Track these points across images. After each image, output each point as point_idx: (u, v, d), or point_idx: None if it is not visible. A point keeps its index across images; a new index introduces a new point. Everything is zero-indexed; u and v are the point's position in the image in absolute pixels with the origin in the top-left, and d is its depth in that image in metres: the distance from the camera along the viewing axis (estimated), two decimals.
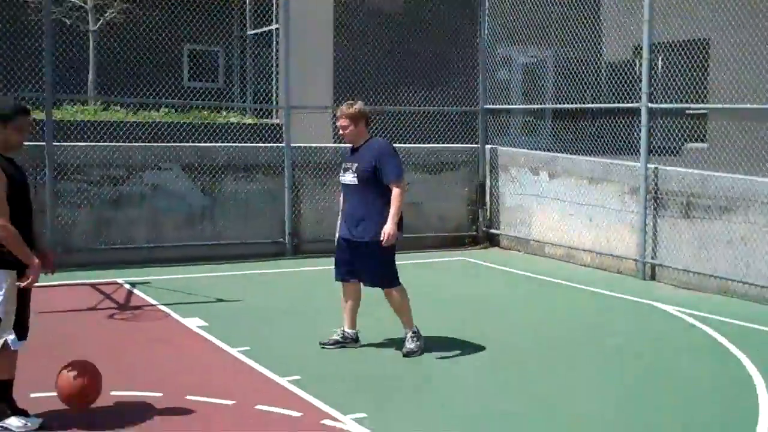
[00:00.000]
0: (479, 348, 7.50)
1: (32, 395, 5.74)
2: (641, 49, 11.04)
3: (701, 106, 12.63)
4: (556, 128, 15.51)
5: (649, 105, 10.91)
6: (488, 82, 13.83)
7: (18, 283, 5.21)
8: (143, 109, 15.28)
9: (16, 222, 5.19)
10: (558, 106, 14.51)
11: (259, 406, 5.80)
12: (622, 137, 12.20)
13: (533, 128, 16.14)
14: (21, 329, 5.29)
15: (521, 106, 14.82)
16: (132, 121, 13.71)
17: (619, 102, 12.52)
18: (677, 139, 14.22)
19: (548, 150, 13.22)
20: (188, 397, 5.92)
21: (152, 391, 6.04)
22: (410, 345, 7.19)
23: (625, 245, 11.15)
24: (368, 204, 7.03)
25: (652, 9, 10.87)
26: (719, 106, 13.09)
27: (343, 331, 7.41)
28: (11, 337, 5.21)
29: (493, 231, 13.36)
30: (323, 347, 7.30)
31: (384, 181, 6.98)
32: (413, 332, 7.24)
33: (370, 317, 7.74)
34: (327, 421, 5.56)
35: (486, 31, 13.61)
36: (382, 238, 6.94)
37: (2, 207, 5.13)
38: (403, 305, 7.27)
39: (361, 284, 7.39)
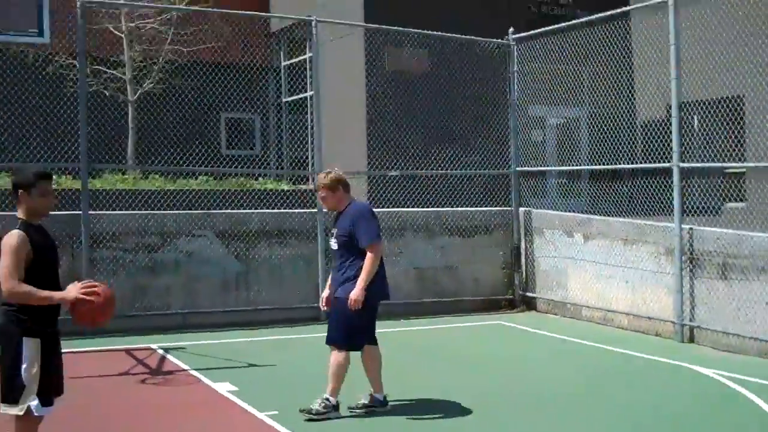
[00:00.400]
0: (508, 408, 7.39)
1: None
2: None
3: (733, 165, 12.54)
4: (592, 189, 15.47)
5: (681, 164, 10.84)
6: (520, 143, 13.86)
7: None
8: (181, 177, 15.49)
9: (46, 284, 5.23)
10: (590, 167, 14.46)
11: None
12: (658, 197, 12.11)
13: (568, 190, 16.10)
14: (46, 395, 5.28)
15: (554, 168, 14.81)
16: (170, 189, 13.88)
17: (653, 161, 12.46)
18: (716, 198, 14.10)
19: (585, 211, 13.16)
20: None
21: None
22: (315, 405, 7.08)
23: (662, 307, 10.99)
24: (348, 268, 7.16)
25: (679, 67, 10.89)
26: (751, 164, 12.96)
27: (371, 395, 7.36)
28: (34, 403, 5.20)
29: (529, 294, 13.26)
30: (351, 412, 7.24)
31: (359, 245, 7.06)
32: (326, 399, 7.12)
33: (400, 382, 7.66)
34: None
35: (516, 93, 13.68)
36: (349, 302, 7.00)
37: (13, 271, 5.19)
38: (334, 372, 7.18)
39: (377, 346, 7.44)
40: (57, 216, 10.90)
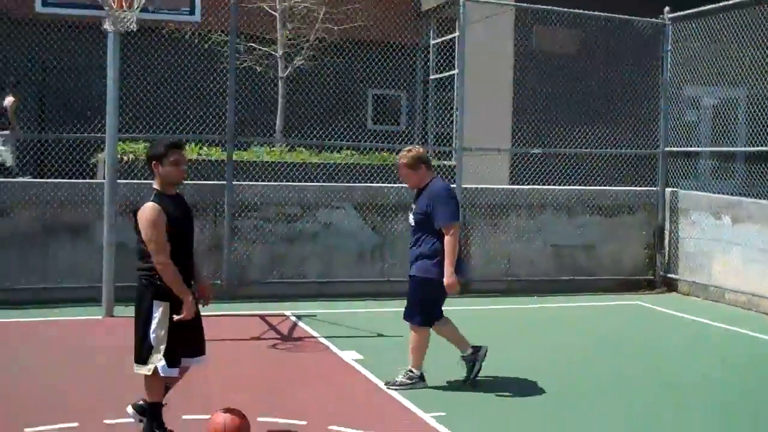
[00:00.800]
0: (625, 390, 7.23)
1: (183, 417, 5.99)
2: None
3: None
4: (747, 171, 14.78)
5: None
6: (672, 123, 13.41)
7: (174, 316, 5.46)
8: (326, 151, 15.77)
9: (176, 258, 5.47)
10: (742, 149, 13.86)
11: None
12: None
13: (721, 171, 15.45)
14: (172, 357, 5.53)
15: (703, 149, 14.24)
16: (312, 162, 14.17)
17: None
18: None
19: (738, 194, 12.60)
20: (330, 427, 6.03)
21: (297, 419, 6.19)
22: (399, 377, 7.17)
23: None
24: (422, 245, 7.10)
25: None
26: None
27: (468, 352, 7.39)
28: (161, 363, 5.47)
29: (671, 275, 12.85)
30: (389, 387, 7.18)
31: (435, 226, 6.98)
32: (411, 371, 7.17)
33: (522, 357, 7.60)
34: None
35: (668, 73, 13.23)
36: (444, 285, 7.01)
37: (162, 246, 5.42)
38: (415, 347, 7.22)
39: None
40: (203, 185, 11.37)
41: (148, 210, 5.47)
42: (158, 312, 5.49)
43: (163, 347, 5.48)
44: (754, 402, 7.14)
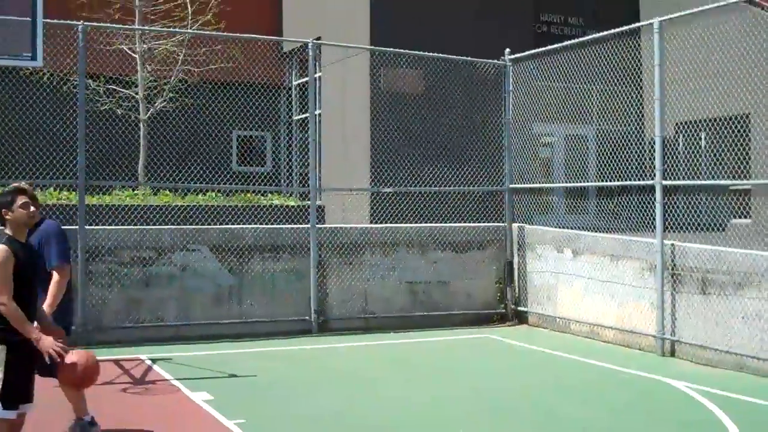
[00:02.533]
0: (463, 418, 7.63)
1: None
2: (683, 126, 11.21)
3: (718, 182, 12.67)
4: (599, 206, 15.63)
5: (663, 182, 11.02)
6: (523, 160, 14.08)
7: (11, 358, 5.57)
8: (191, 193, 15.87)
9: (19, 303, 5.58)
10: (574, 184, 14.71)
11: None
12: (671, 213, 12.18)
13: (575, 207, 16.24)
14: (10, 399, 5.57)
15: (546, 185, 14.99)
16: (173, 204, 14.25)
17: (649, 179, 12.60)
18: (722, 215, 14.24)
19: (593, 229, 13.25)
20: None
21: None
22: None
23: (645, 321, 11.16)
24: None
25: (663, 88, 11.10)
26: (736, 182, 13.05)
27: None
28: None
29: (521, 308, 13.47)
30: None
31: (46, 267, 6.64)
32: (80, 420, 6.81)
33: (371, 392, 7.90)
34: None
35: (511, 112, 13.93)
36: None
37: (5, 287, 5.54)
38: (72, 395, 6.76)
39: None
40: None
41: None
42: None
43: None
44: (558, 418, 7.64)
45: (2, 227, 5.84)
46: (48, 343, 5.65)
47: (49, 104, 15.58)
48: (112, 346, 10.84)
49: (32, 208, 5.84)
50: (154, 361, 10.16)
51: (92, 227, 11.51)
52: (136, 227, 11.91)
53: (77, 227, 11.19)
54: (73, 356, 6.03)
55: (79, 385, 6.06)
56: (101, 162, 16.10)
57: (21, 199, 5.79)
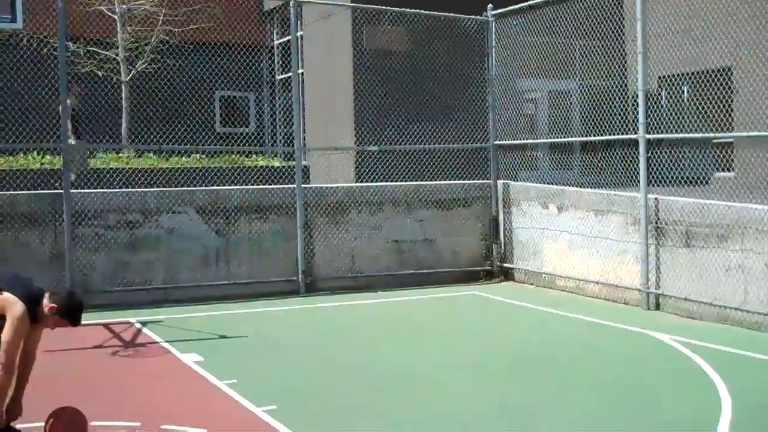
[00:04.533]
0: (462, 371, 7.74)
1: (18, 426, 6.10)
2: (665, 80, 11.23)
3: (701, 135, 12.71)
4: (584, 161, 15.67)
5: (647, 136, 11.07)
6: (508, 116, 14.09)
7: None
8: (175, 155, 15.84)
9: None
10: (558, 139, 14.76)
11: None
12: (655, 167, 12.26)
13: (561, 163, 16.29)
14: None
15: (531, 141, 15.02)
16: (157, 167, 14.25)
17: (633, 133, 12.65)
18: (706, 168, 14.32)
19: (578, 184, 13.31)
20: (163, 426, 6.26)
21: (131, 421, 6.39)
22: None
23: (630, 275, 11.27)
24: None
25: (645, 42, 11.09)
26: (718, 135, 13.12)
27: None
28: None
29: (507, 265, 13.56)
30: None
31: None
32: None
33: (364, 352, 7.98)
34: None
35: (494, 69, 13.90)
36: None
37: (13, 352, 5.49)
38: None
39: None
40: (42, 194, 11.33)
41: (21, 312, 5.51)
42: None
43: None
44: (550, 371, 7.75)
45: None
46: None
47: (30, 67, 15.48)
48: (101, 309, 10.85)
49: (53, 328, 5.78)
50: (143, 323, 10.22)
51: (77, 191, 11.49)
52: (121, 190, 11.91)
53: (62, 191, 11.15)
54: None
55: None
56: (84, 125, 16.01)
57: (65, 324, 5.73)
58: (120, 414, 6.58)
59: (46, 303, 5.66)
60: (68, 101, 13.14)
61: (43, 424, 5.82)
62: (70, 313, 5.72)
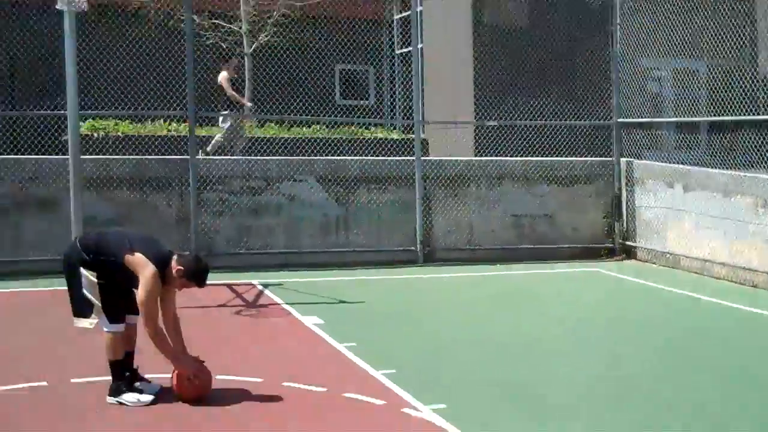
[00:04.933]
0: (577, 353, 7.61)
1: (148, 375, 6.30)
2: None
3: None
4: (711, 142, 15.18)
5: None
6: (632, 94, 13.75)
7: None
8: (295, 126, 16.02)
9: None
10: (686, 119, 14.25)
11: (346, 394, 6.15)
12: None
13: (686, 142, 15.82)
14: (113, 315, 5.87)
15: (657, 119, 14.59)
16: (279, 137, 14.43)
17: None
18: None
19: (704, 165, 12.91)
20: (284, 384, 6.35)
21: (253, 377, 6.51)
22: None
23: (760, 259, 10.86)
24: None
25: None
26: None
27: None
28: (102, 320, 5.88)
29: (629, 243, 13.26)
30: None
31: None
32: None
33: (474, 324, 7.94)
34: (407, 410, 5.85)
35: (618, 45, 13.56)
36: None
37: (153, 312, 5.76)
38: None
39: None
40: (169, 160, 11.64)
41: (151, 274, 5.73)
42: (85, 277, 5.84)
43: (99, 304, 5.84)
44: (678, 354, 7.53)
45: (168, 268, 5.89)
46: (187, 366, 5.92)
47: (158, 39, 15.87)
48: (225, 271, 11.12)
49: (180, 290, 6.02)
50: (265, 286, 10.40)
51: (202, 158, 11.77)
52: (244, 158, 12.14)
53: (188, 157, 11.43)
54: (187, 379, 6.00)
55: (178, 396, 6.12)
56: (208, 95, 16.36)
57: (191, 286, 5.97)
58: (242, 370, 6.70)
59: (174, 265, 5.86)
60: (226, 73, 13.57)
61: (169, 375, 6.00)
62: (197, 276, 5.92)
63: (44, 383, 6.34)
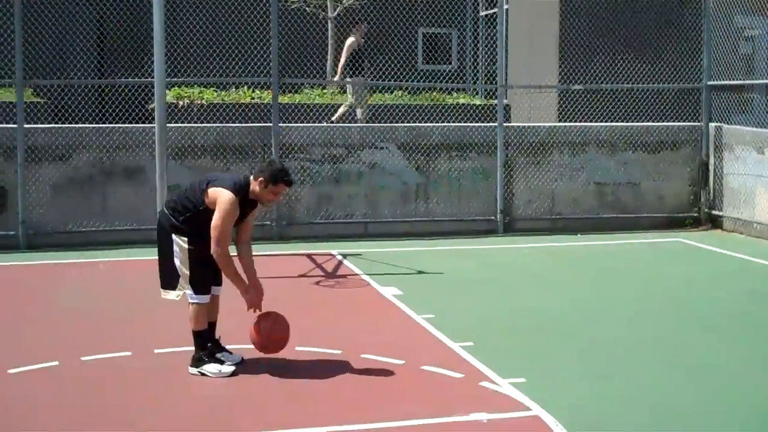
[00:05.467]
0: (657, 322, 7.49)
1: (228, 346, 6.42)
2: None
3: None
4: None
5: None
6: (723, 56, 13.32)
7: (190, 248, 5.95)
8: (378, 91, 16.00)
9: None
10: None
11: (425, 367, 6.19)
12: None
13: (758, 106, 15.30)
14: (199, 287, 5.99)
15: (751, 81, 14.11)
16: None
17: None
18: None
19: None
20: (363, 356, 6.42)
21: (332, 349, 6.59)
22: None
23: None
24: None
25: None
26: None
27: None
28: (189, 291, 5.99)
29: (715, 212, 12.93)
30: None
31: None
32: None
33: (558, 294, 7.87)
34: (485, 383, 5.86)
35: (711, 3, 13.12)
36: None
37: (224, 236, 5.83)
38: None
39: None
40: (251, 127, 11.76)
41: (228, 198, 5.81)
42: (178, 245, 5.96)
43: (188, 276, 5.96)
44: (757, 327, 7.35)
45: (249, 183, 5.96)
46: (254, 299, 6.04)
47: (242, 3, 15.97)
48: (304, 240, 11.24)
49: (276, 199, 6.13)
50: (344, 256, 10.48)
51: (285, 125, 11.84)
52: (325, 125, 12.17)
53: (271, 124, 11.53)
54: (267, 322, 6.12)
55: (260, 347, 6.19)
56: (291, 61, 16.44)
57: (281, 189, 5.99)
58: (322, 341, 6.78)
59: (254, 182, 5.93)
60: (354, 39, 13.69)
61: (250, 346, 6.11)
62: (280, 175, 5.95)
63: (129, 353, 6.51)
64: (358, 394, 5.71)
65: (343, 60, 13.83)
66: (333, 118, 12.94)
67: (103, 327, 7.37)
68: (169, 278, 6.05)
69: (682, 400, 5.65)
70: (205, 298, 6.04)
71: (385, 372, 6.10)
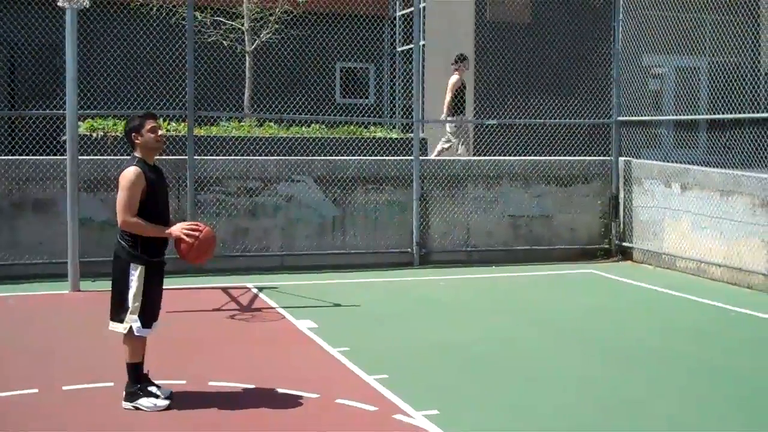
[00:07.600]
0: (570, 357, 7.62)
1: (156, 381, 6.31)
2: None
3: None
4: (711, 139, 15.16)
5: None
6: (631, 92, 13.73)
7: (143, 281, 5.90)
8: (296, 125, 16.01)
9: (153, 220, 5.94)
10: (685, 117, 14.24)
11: (339, 400, 6.18)
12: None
13: (685, 141, 15.81)
14: (147, 318, 5.95)
15: (657, 117, 14.58)
16: (277, 136, 14.42)
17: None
18: None
19: (703, 163, 12.90)
20: (277, 390, 6.38)
21: (246, 383, 6.53)
22: None
23: (755, 259, 10.86)
24: None
25: None
26: None
27: None
28: (137, 324, 5.92)
29: (626, 244, 13.25)
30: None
31: None
32: None
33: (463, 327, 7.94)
34: (398, 416, 5.88)
35: (620, 43, 13.54)
36: None
37: (127, 206, 5.86)
38: None
39: None
40: (165, 160, 11.62)
41: (130, 172, 5.92)
42: (134, 275, 5.90)
43: (138, 308, 5.90)
44: (666, 356, 7.53)
45: (132, 151, 6.12)
46: (176, 229, 5.96)
47: (158, 36, 15.87)
48: (220, 274, 11.14)
49: (160, 132, 6.13)
50: (260, 289, 10.42)
51: (200, 157, 11.77)
52: (242, 158, 12.13)
53: (186, 157, 11.44)
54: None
55: (188, 256, 6.07)
56: (208, 94, 16.37)
57: (150, 124, 6.05)
58: (236, 375, 6.73)
59: (135, 148, 6.06)
60: (458, 77, 14.06)
61: (177, 381, 6.03)
62: (140, 118, 6.05)
63: (35, 391, 6.35)
64: (272, 429, 5.67)
65: (448, 98, 14.13)
66: (433, 155, 13.43)
67: (11, 363, 7.18)
68: (117, 310, 5.99)
69: (594, 430, 5.76)
70: (150, 332, 6.01)
71: (299, 405, 6.08)
